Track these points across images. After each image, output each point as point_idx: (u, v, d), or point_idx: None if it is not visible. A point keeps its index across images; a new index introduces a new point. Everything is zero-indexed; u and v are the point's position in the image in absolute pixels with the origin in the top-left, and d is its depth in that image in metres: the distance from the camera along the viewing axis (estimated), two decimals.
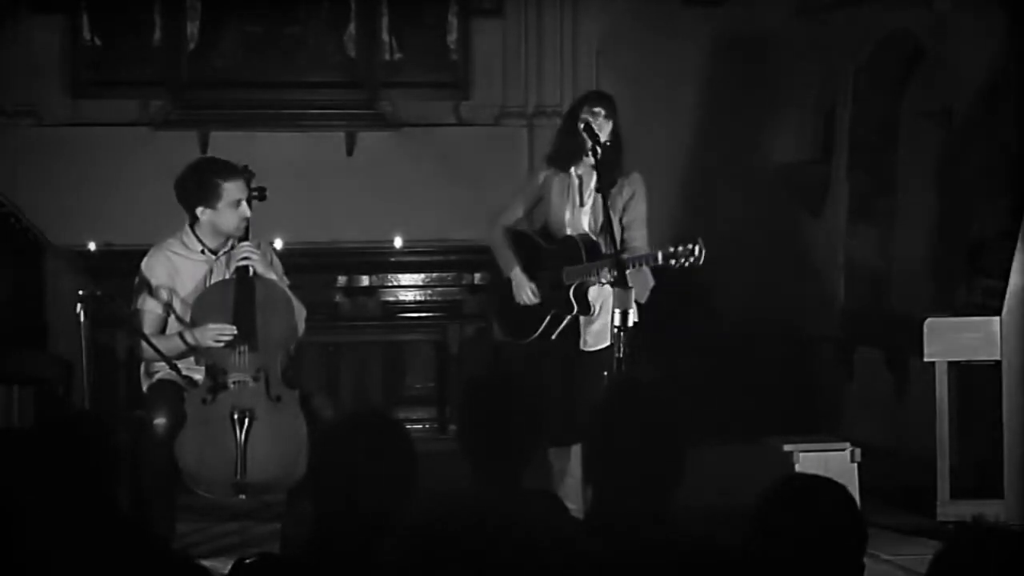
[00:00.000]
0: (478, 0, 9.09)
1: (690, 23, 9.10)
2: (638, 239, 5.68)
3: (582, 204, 5.76)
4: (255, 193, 5.49)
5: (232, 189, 5.38)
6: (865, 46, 8.39)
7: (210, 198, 5.38)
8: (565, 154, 5.78)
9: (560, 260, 5.73)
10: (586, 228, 5.73)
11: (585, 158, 5.68)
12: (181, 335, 5.32)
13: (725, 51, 9.09)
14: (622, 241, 5.64)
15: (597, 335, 5.70)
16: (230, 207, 5.38)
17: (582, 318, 5.72)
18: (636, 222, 5.72)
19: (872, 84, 8.42)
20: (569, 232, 5.75)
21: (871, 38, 8.35)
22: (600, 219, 5.61)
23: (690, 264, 5.42)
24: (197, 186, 5.40)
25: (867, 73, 8.41)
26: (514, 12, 9.12)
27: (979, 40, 7.42)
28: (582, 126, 5.60)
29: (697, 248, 5.36)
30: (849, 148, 8.49)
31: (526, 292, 5.78)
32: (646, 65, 9.05)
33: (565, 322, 5.73)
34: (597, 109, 5.67)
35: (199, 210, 5.40)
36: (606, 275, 5.44)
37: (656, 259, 5.43)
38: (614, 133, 5.70)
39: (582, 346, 5.74)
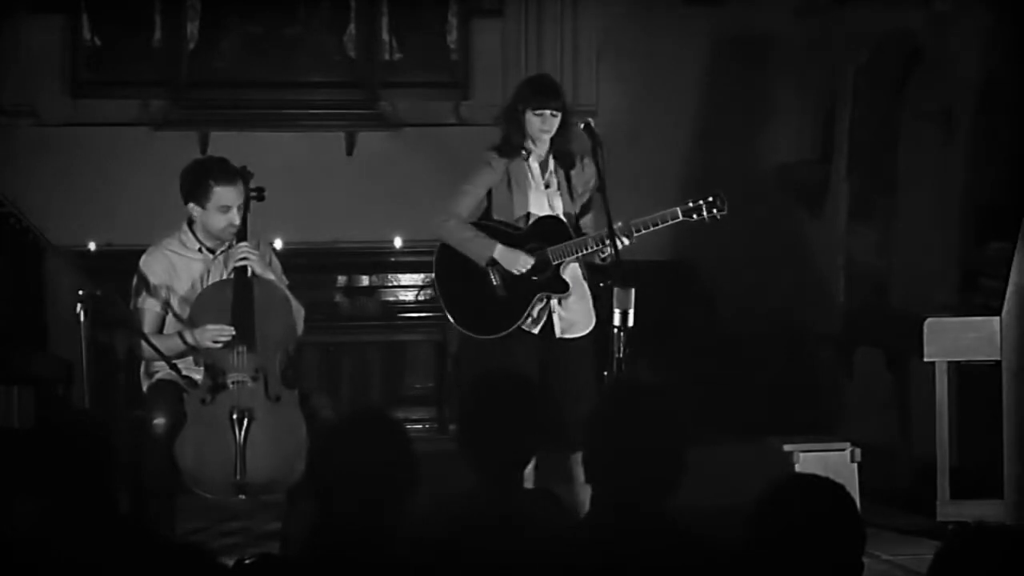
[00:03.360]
0: (478, 0, 9.10)
1: (690, 23, 9.10)
2: (590, 222, 5.73)
3: (547, 187, 5.70)
4: (254, 194, 5.49)
5: (222, 194, 5.38)
6: (865, 46, 8.38)
7: (201, 198, 5.40)
8: (517, 143, 5.69)
9: (539, 241, 5.64)
10: (557, 210, 5.69)
11: (534, 147, 5.66)
12: (180, 335, 5.33)
13: (725, 51, 9.09)
14: (578, 222, 5.71)
15: (572, 320, 5.66)
16: (218, 211, 5.39)
17: (553, 302, 5.66)
18: (592, 203, 5.74)
19: (872, 84, 8.42)
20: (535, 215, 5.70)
21: (871, 38, 8.35)
22: (570, 201, 5.64)
23: (714, 216, 5.54)
24: (192, 183, 5.43)
25: (867, 73, 8.40)
26: (514, 12, 9.12)
27: (979, 40, 7.41)
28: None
29: (719, 200, 5.50)
30: (849, 148, 8.49)
31: (522, 259, 5.59)
32: (646, 65, 9.05)
33: (541, 306, 5.64)
34: (545, 112, 5.62)
35: (191, 206, 5.43)
36: (619, 243, 5.42)
37: (675, 216, 5.54)
38: (564, 117, 5.66)
39: (558, 333, 5.67)
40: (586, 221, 5.74)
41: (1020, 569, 2.61)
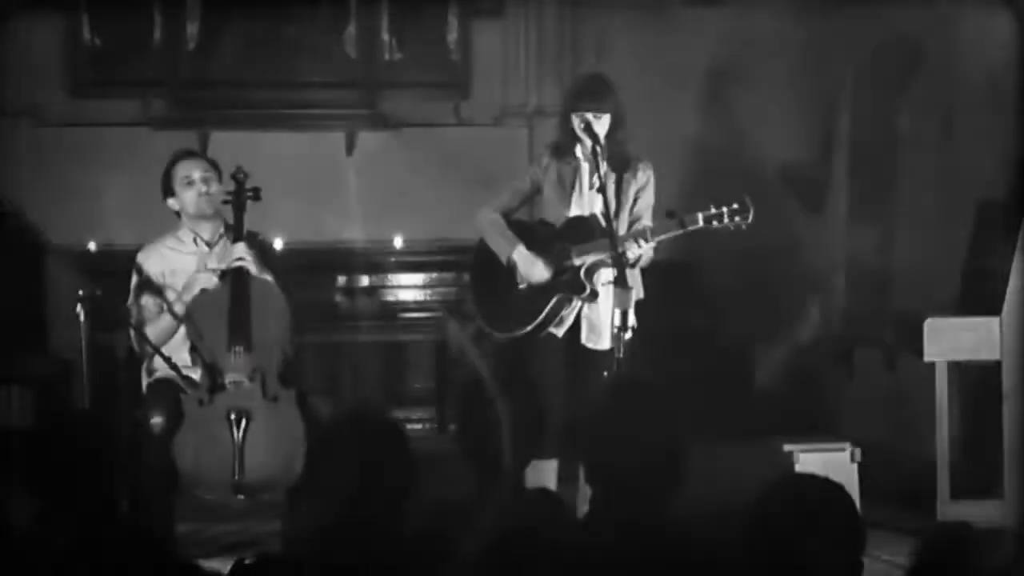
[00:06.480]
0: (478, 0, 9.10)
1: (690, 23, 9.10)
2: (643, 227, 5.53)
3: (591, 188, 5.56)
4: (250, 193, 5.50)
5: (180, 169, 5.51)
6: (865, 46, 8.39)
7: (170, 186, 5.53)
8: (565, 144, 5.63)
9: (567, 240, 5.53)
10: (596, 212, 5.53)
11: (584, 148, 5.56)
12: (169, 307, 5.35)
13: (725, 51, 9.09)
14: (630, 226, 5.53)
15: (600, 330, 5.50)
16: (185, 187, 5.50)
17: (586, 308, 5.54)
18: (646, 209, 5.61)
19: (872, 84, 8.42)
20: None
21: (871, 38, 8.35)
22: (612, 204, 5.41)
23: (738, 225, 5.42)
24: (163, 180, 5.56)
25: (867, 73, 8.41)
26: (514, 12, 9.13)
27: (979, 40, 7.42)
28: (582, 126, 5.51)
29: (744, 207, 5.39)
30: (849, 148, 8.49)
31: (537, 269, 5.50)
32: (646, 65, 9.05)
33: (568, 309, 5.52)
34: (584, 115, 5.53)
35: (170, 202, 5.55)
36: (633, 249, 5.34)
37: (694, 222, 5.40)
38: (615, 117, 5.59)
39: (583, 340, 5.53)
40: (638, 227, 5.51)
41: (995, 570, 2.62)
